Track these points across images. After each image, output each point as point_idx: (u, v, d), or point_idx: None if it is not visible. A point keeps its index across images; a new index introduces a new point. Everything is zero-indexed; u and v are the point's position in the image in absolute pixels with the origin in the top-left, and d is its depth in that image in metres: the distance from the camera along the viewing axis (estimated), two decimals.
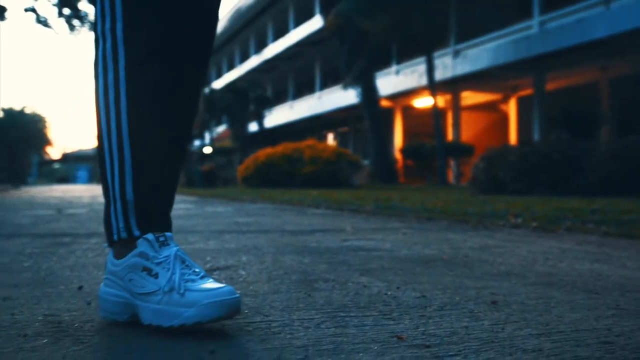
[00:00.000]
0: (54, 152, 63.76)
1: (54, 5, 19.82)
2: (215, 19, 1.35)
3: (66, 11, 19.64)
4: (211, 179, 20.46)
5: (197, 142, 32.45)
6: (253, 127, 32.29)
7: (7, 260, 2.31)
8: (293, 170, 16.73)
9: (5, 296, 1.59)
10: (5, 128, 43.68)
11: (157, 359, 1.04)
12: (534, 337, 1.19)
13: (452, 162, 21.13)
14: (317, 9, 27.41)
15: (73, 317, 1.35)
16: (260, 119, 31.19)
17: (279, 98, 35.42)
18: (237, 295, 1.17)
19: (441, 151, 17.83)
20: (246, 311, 1.41)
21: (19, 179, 39.33)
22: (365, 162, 20.54)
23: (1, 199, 11.07)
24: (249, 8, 34.90)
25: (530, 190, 9.62)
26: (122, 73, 1.24)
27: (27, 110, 46.52)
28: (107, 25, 1.25)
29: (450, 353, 1.08)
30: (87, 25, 19.32)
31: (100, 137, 1.30)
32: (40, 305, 1.48)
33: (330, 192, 11.50)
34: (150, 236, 1.24)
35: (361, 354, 1.07)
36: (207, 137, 34.78)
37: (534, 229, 3.85)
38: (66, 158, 65.79)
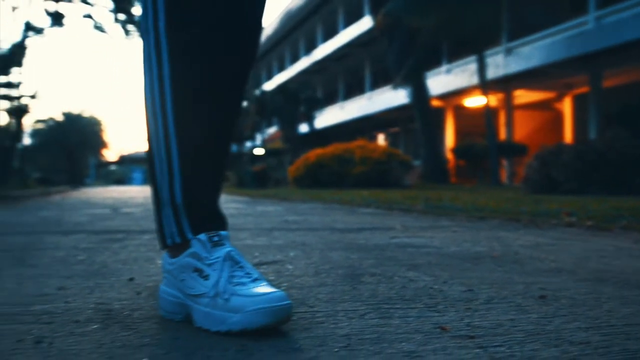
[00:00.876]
0: (111, 154, 65.45)
1: (110, 11, 20.33)
2: (258, 17, 1.31)
3: (121, 17, 20.11)
4: (262, 179, 20.64)
5: (248, 144, 32.81)
6: (304, 128, 32.46)
7: (63, 254, 2.39)
8: (343, 170, 16.72)
9: (60, 286, 1.65)
10: (65, 132, 45.11)
11: (202, 345, 1.06)
12: (582, 330, 1.17)
13: (504, 162, 20.77)
14: (367, 9, 27.38)
15: (123, 305, 1.39)
16: (310, 120, 31.32)
17: (329, 99, 35.49)
18: (288, 302, 1.12)
19: (493, 151, 17.53)
20: (292, 301, 1.42)
21: (78, 181, 40.56)
22: (416, 162, 20.39)
23: (61, 199, 11.44)
24: (299, 10, 35.10)
25: (585, 190, 9.37)
26: (166, 71, 1.23)
27: (85, 114, 47.93)
28: (150, 21, 1.24)
29: (495, 344, 1.07)
30: None
31: (149, 140, 1.29)
32: (93, 295, 1.53)
33: (381, 192, 11.46)
34: (202, 236, 1.22)
35: (403, 343, 1.07)
36: (259, 138, 35.13)
37: (588, 228, 3.75)
38: (122, 160, 67.45)
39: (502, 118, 22.19)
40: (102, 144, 50.41)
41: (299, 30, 37.28)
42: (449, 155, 22.49)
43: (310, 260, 2.22)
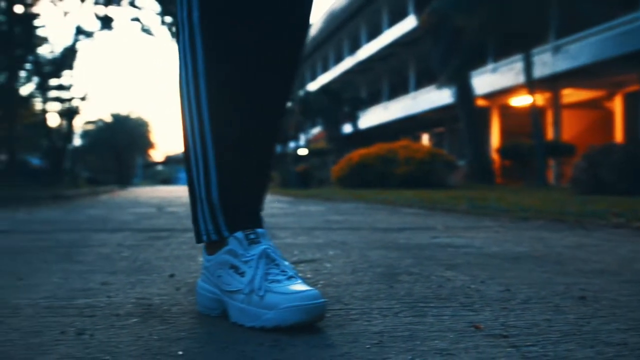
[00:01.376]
0: (157, 154, 66.66)
1: (157, 14, 20.72)
2: (302, 13, 1.27)
3: (168, 19, 20.47)
4: (306, 179, 20.72)
5: (292, 144, 32.97)
6: (347, 128, 32.46)
7: (108, 251, 2.45)
8: (387, 170, 16.66)
9: (104, 281, 1.70)
10: (114, 133, 46.19)
11: (237, 340, 1.08)
12: (621, 331, 1.15)
13: (552, 162, 20.35)
14: (411, 8, 27.19)
15: (162, 300, 1.43)
16: (354, 120, 31.31)
17: (373, 99, 35.39)
18: (322, 300, 1.12)
19: (540, 151, 17.20)
20: (327, 299, 1.44)
21: (125, 181, 41.46)
22: (461, 162, 20.16)
23: (109, 198, 11.72)
24: (343, 10, 35.11)
25: (635, 191, 9.12)
26: (200, 66, 1.21)
27: (133, 116, 49.00)
28: (185, 13, 1.22)
29: (528, 343, 1.06)
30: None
31: (185, 137, 1.29)
32: (134, 290, 1.57)
33: (424, 193, 11.38)
34: (239, 234, 1.22)
35: (436, 341, 1.07)
36: (302, 138, 35.27)
37: (637, 229, 3.66)
38: (168, 160, 68.62)
39: (549, 117, 21.76)
40: (149, 145, 51.38)
41: (343, 31, 37.29)
42: (495, 156, 22.17)
43: (349, 259, 2.22)
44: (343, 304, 1.39)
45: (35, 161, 31.45)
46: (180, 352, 1.00)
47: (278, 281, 1.16)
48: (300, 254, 2.39)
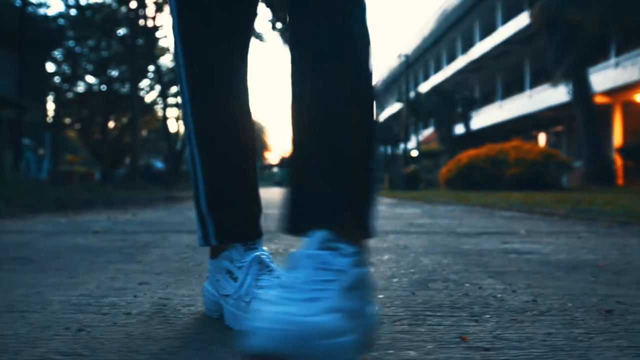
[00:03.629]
0: (272, 157, 68.46)
1: (269, 21, 21.35)
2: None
3: (279, 25, 21.02)
4: (413, 181, 20.53)
5: (401, 145, 32.76)
6: (460, 129, 31.80)
7: (171, 252, 2.58)
8: (497, 172, 16.19)
9: (144, 281, 1.80)
10: None
11: (219, 341, 1.12)
12: (617, 349, 1.07)
13: None
14: (526, 3, 26.19)
15: (181, 301, 1.50)
16: (466, 120, 30.61)
17: (487, 98, 34.42)
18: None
19: None
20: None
21: None
22: (577, 163, 19.16)
23: None
24: (456, 8, 34.43)
25: None
26: (182, 70, 1.24)
27: None
28: (172, 23, 1.25)
29: (502, 357, 1.02)
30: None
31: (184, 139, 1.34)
32: (164, 290, 1.65)
33: (533, 195, 10.94)
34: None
35: (410, 351, 1.05)
36: (414, 139, 34.96)
37: None
38: (282, 163, 70.23)
39: None
40: (265, 147, 52.89)
41: (456, 29, 36.55)
42: (616, 156, 20.89)
43: (397, 264, 2.21)
44: None
45: (158, 164, 33.30)
46: (157, 351, 1.06)
47: (269, 287, 1.17)
48: None
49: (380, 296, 1.56)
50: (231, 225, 1.28)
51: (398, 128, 30.75)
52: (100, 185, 15.60)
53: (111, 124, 26.50)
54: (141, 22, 19.84)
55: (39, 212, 6.10)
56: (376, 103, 1.12)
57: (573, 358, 1.02)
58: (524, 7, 26.44)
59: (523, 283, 1.79)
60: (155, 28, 21.25)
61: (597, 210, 5.90)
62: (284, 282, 0.89)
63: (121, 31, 21.91)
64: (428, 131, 37.08)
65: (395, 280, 1.84)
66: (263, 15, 20.93)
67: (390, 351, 1.06)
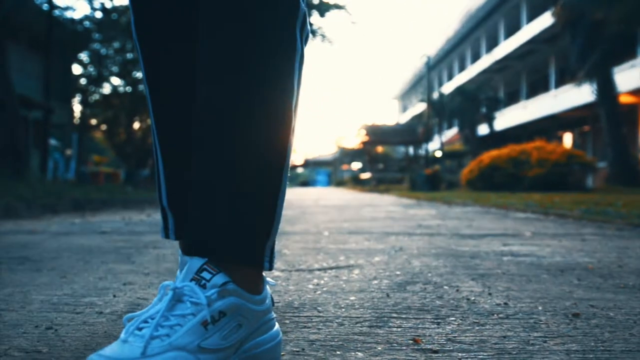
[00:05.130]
0: (297, 158, 68.66)
1: None
2: None
3: None
4: (434, 182, 20.43)
5: (424, 146, 32.61)
6: (483, 129, 31.55)
7: (167, 253, 2.62)
8: (518, 173, 16.04)
9: (129, 281, 1.84)
10: None
11: None
12: (566, 353, 1.08)
13: None
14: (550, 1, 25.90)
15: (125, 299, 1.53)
16: (490, 121, 30.36)
17: (511, 98, 34.12)
18: None
19: None
20: (305, 304, 1.47)
21: None
22: (602, 164, 18.89)
23: None
24: (480, 8, 34.18)
25: None
26: (140, 59, 1.13)
27: None
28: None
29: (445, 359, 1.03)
30: (318, 37, 20.58)
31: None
32: (146, 290, 1.69)
33: (553, 196, 10.83)
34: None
35: (358, 352, 1.08)
36: (438, 140, 34.78)
37: None
38: (307, 163, 70.44)
39: None
40: None
41: (480, 29, 36.28)
42: None
43: (385, 267, 2.22)
44: (316, 310, 1.42)
45: None
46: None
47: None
48: (343, 260, 2.42)
49: (352, 298, 1.59)
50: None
51: (421, 129, 30.59)
52: (121, 185, 15.79)
53: (136, 125, 26.79)
54: None
55: (57, 212, 6.23)
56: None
57: None
58: (549, 6, 26.17)
59: (503, 286, 1.79)
60: None
61: (613, 212, 5.83)
62: (148, 315, 0.88)
63: None
64: (452, 132, 36.87)
65: (375, 282, 1.86)
66: None
67: (339, 352, 1.08)
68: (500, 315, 1.38)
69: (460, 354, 1.07)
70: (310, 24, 19.59)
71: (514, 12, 31.99)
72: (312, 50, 22.29)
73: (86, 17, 22.59)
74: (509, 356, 1.06)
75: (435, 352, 1.08)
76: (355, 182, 38.36)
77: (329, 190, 27.24)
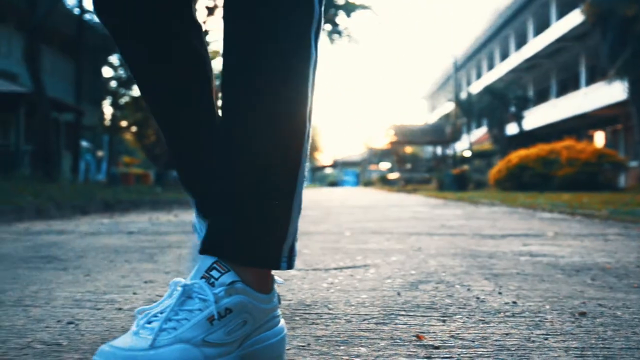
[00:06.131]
0: (325, 158, 68.76)
1: None
2: None
3: (327, 27, 21.14)
4: (462, 182, 20.31)
5: (452, 146, 32.42)
6: (512, 129, 31.22)
7: (188, 252, 2.69)
8: (548, 172, 15.87)
9: (150, 279, 1.91)
10: None
11: None
12: (564, 350, 1.11)
13: None
14: None
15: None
16: (519, 120, 30.04)
17: (541, 97, 33.70)
18: None
19: None
20: (316, 302, 1.52)
21: None
22: (634, 162, 18.58)
23: None
24: (508, 6, 33.86)
25: None
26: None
27: None
28: None
29: (444, 355, 1.07)
30: (345, 38, 20.61)
31: None
32: (164, 288, 1.75)
33: (583, 196, 10.70)
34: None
35: (361, 347, 1.12)
36: (466, 140, 34.52)
37: None
38: (335, 164, 70.50)
39: None
40: (316, 148, 53.11)
41: (509, 27, 35.92)
42: None
43: (401, 266, 2.25)
44: (327, 308, 1.46)
45: None
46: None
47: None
48: (361, 259, 2.46)
49: (363, 296, 1.62)
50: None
51: (449, 129, 30.41)
52: (150, 186, 16.02)
53: None
54: None
55: (87, 213, 6.37)
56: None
57: (514, 358, 1.06)
58: (578, 3, 25.81)
59: (515, 285, 1.81)
60: (206, 32, 21.67)
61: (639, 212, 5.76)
62: (158, 309, 0.94)
63: None
64: (480, 131, 36.56)
65: (388, 281, 1.89)
66: None
67: (342, 347, 1.12)
68: (507, 314, 1.41)
69: (460, 350, 1.10)
70: (337, 24, 19.67)
71: (543, 10, 31.61)
72: (340, 50, 22.31)
73: None
74: (508, 352, 1.09)
75: (437, 348, 1.12)
76: (384, 182, 38.28)
77: (357, 191, 27.24)
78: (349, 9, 20.56)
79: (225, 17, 0.99)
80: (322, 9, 1.03)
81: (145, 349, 0.86)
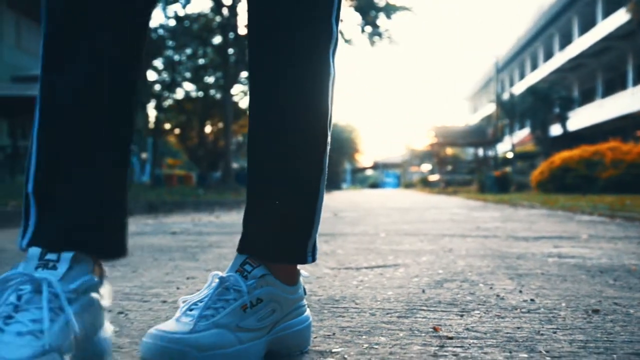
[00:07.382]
0: (366, 160, 68.75)
1: (359, 25, 21.60)
2: None
3: (368, 29, 21.23)
4: (504, 184, 20.11)
5: (494, 147, 32.07)
6: (557, 130, 30.76)
7: (228, 252, 2.84)
8: (591, 174, 15.61)
9: (191, 276, 2.05)
10: None
11: None
12: (569, 342, 1.20)
13: None
14: None
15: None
16: (562, 121, 29.58)
17: (586, 97, 33.11)
18: None
19: None
20: (345, 297, 1.63)
21: (333, 185, 43.44)
22: None
23: None
24: (552, 5, 33.36)
25: None
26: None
27: (341, 122, 51.07)
28: None
29: (457, 345, 1.17)
30: (385, 40, 20.66)
31: None
32: (195, 284, 1.88)
33: (627, 198, 10.54)
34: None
35: (381, 337, 1.23)
36: (508, 141, 34.14)
37: None
38: (376, 165, 70.50)
39: None
40: (356, 150, 53.18)
41: (554, 26, 35.38)
42: None
43: (430, 266, 2.35)
44: (354, 304, 1.57)
45: None
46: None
47: None
48: (392, 259, 2.56)
49: (390, 293, 1.73)
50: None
51: (491, 130, 30.12)
52: (193, 188, 16.35)
53: (208, 129, 27.59)
54: (233, 30, 20.61)
55: (132, 214, 6.60)
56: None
57: (520, 348, 1.15)
58: (625, 1, 25.28)
59: (536, 284, 1.89)
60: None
61: None
62: (198, 298, 1.05)
63: (216, 39, 22.82)
64: (523, 132, 36.10)
65: (415, 279, 2.00)
66: (352, 19, 21.19)
67: (364, 336, 1.23)
68: (523, 310, 1.50)
69: (471, 341, 1.20)
70: (377, 26, 19.65)
71: (588, 9, 31.08)
72: (382, 52, 22.35)
73: (160, 26, 23.42)
74: (515, 343, 1.18)
75: (450, 338, 1.22)
76: (424, 184, 38.13)
77: (397, 192, 27.24)
78: (389, 10, 20.61)
79: (249, 42, 1.13)
80: (339, 27, 1.15)
81: (187, 332, 0.99)
